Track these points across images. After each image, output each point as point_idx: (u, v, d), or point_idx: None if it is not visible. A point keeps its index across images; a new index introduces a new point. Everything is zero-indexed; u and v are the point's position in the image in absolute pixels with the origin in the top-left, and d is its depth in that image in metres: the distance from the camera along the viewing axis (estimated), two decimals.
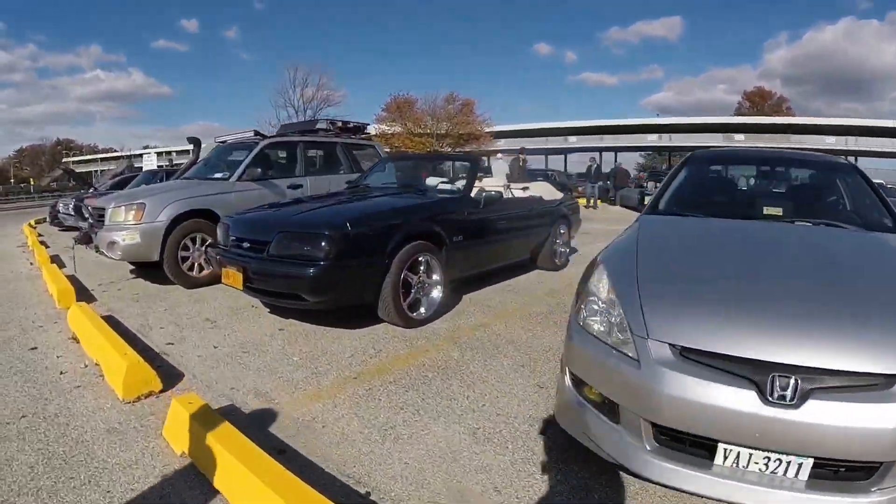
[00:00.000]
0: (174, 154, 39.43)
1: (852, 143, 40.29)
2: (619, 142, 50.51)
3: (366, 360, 3.54)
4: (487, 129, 45.19)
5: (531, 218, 6.06)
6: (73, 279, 5.96)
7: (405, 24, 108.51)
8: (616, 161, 34.31)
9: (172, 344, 3.93)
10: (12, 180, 65.81)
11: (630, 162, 55.65)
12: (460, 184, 5.23)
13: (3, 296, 5.64)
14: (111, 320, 4.34)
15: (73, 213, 10.19)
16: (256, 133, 6.70)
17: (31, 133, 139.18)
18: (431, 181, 5.49)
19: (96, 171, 53.45)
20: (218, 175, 6.28)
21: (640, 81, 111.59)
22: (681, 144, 50.39)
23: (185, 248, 5.54)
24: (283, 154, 6.90)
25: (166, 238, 5.36)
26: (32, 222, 15.35)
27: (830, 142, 40.52)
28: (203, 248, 5.63)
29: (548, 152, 48.69)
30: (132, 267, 6.53)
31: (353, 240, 3.80)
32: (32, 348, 3.88)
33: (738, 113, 57.47)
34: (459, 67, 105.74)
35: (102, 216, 5.54)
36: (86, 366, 3.49)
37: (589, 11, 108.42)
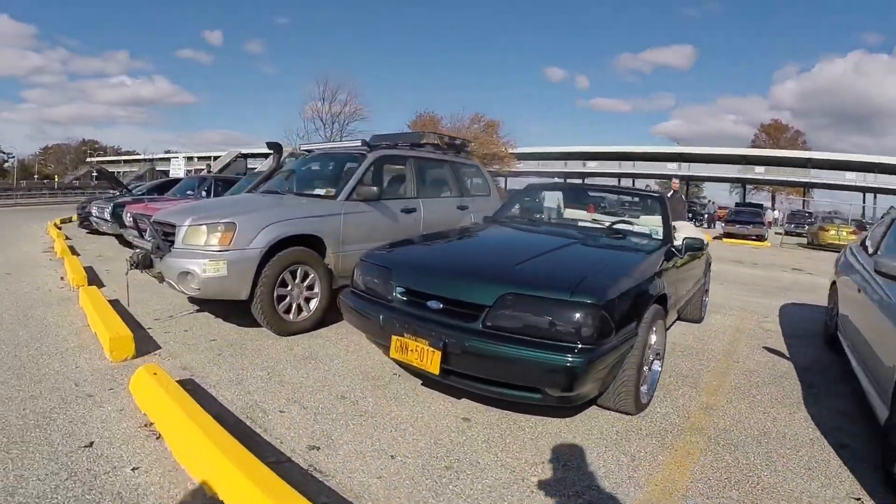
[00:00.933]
0: (195, 159, 38.05)
1: (871, 179, 38.76)
2: (638, 168, 49.28)
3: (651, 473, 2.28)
4: (511, 151, 44.10)
5: (702, 265, 5.17)
6: (124, 314, 4.48)
7: (419, 45, 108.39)
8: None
9: (318, 449, 2.52)
10: (36, 176, 64.69)
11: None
12: (647, 224, 4.18)
13: (29, 335, 4.07)
14: (192, 387, 3.04)
15: (110, 218, 8.71)
16: (365, 143, 5.22)
17: (57, 132, 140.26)
18: (611, 222, 4.19)
19: (118, 173, 52.19)
20: (318, 191, 4.82)
21: (650, 109, 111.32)
22: (699, 174, 49.28)
23: (283, 283, 4.05)
24: (392, 170, 5.46)
25: (260, 270, 3.90)
26: (58, 222, 13.90)
27: (850, 177, 39.25)
28: (303, 284, 4.16)
29: (566, 176, 47.28)
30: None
31: (615, 310, 2.47)
32: (86, 446, 2.44)
33: (755, 145, 56.31)
34: (475, 87, 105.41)
35: (170, 234, 4.07)
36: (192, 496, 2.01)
37: (601, 37, 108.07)
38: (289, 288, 4.15)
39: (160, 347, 3.83)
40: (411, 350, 2.73)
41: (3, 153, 72.73)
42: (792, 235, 23.16)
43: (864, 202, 39.22)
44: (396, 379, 3.41)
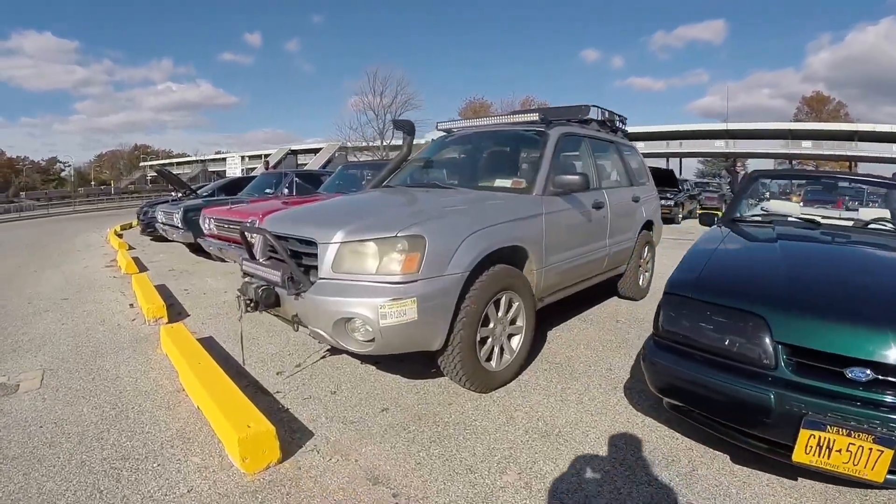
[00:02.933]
0: (246, 159, 37.27)
1: None
2: (685, 147, 46.34)
3: None
4: None
5: None
6: (235, 370, 3.13)
7: (455, 34, 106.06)
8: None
9: None
10: (93, 182, 65.99)
11: (690, 168, 51.23)
12: None
13: (98, 416, 2.62)
14: None
15: (181, 224, 7.34)
16: (543, 119, 3.69)
17: (108, 140, 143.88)
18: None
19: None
20: (501, 182, 3.35)
21: (685, 86, 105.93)
22: (746, 150, 45.95)
23: (485, 320, 2.61)
24: (569, 155, 3.94)
25: (459, 304, 2.48)
26: (118, 228, 12.95)
27: None
28: (507, 317, 2.74)
29: None
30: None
31: None
32: None
33: (797, 119, 52.25)
34: (516, 74, 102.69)
35: (298, 253, 2.63)
36: None
37: (634, 15, 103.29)
38: (491, 325, 2.71)
39: (312, 434, 2.40)
40: (838, 450, 1.66)
41: (61, 163, 74.56)
42: None
43: None
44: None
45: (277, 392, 2.83)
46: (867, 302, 1.86)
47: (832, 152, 40.28)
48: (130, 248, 8.96)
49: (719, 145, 46.56)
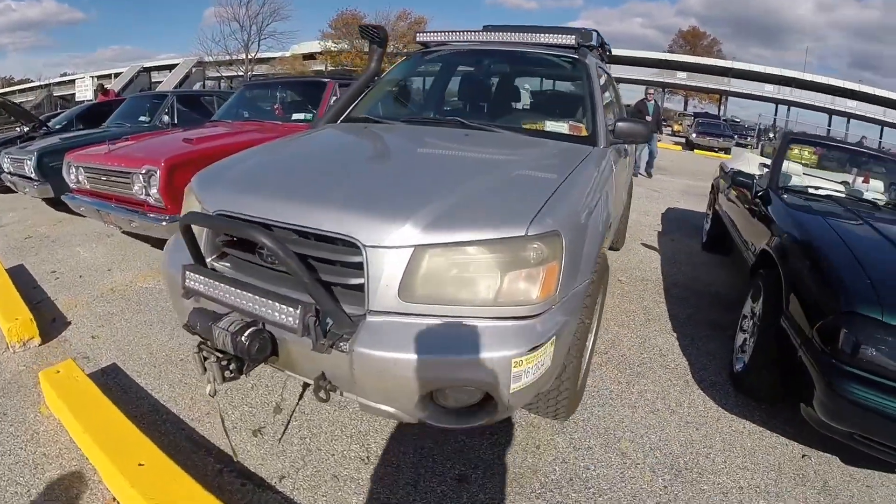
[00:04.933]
0: (94, 79, 30.62)
1: (787, 92, 39.95)
2: None
3: None
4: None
5: None
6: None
7: None
8: None
9: None
10: None
11: None
12: None
13: None
14: None
15: (36, 175, 4.93)
16: (581, 43, 2.74)
17: None
18: None
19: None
20: (556, 125, 2.48)
21: (558, 8, 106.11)
22: (619, 76, 48.41)
23: None
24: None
25: None
26: None
27: (769, 89, 40.08)
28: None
29: None
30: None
31: None
32: None
33: (670, 50, 55.96)
34: None
35: (306, 258, 1.46)
36: None
37: None
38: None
39: None
40: None
41: None
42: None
43: (776, 113, 40.53)
44: None
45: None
46: None
47: (706, 85, 43.86)
48: None
49: None
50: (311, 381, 1.45)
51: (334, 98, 4.45)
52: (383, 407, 1.42)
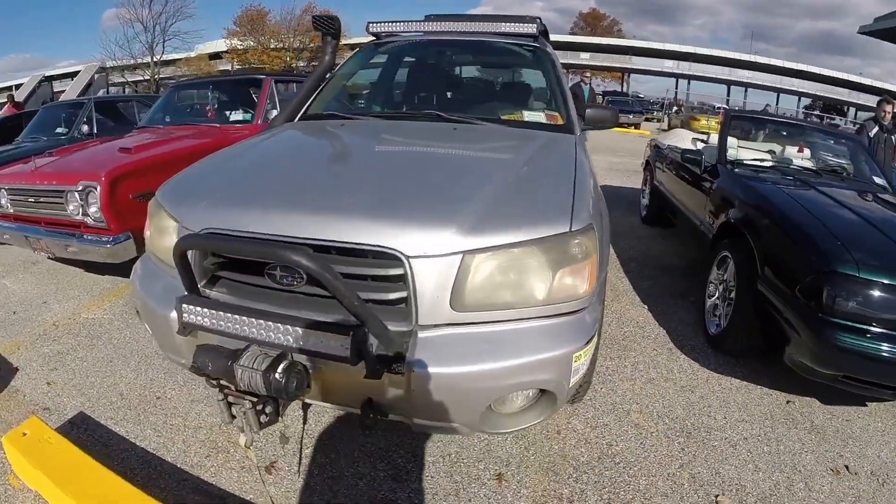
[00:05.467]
0: None
1: (686, 67, 43.08)
2: None
3: None
4: (344, 42, 40.11)
5: None
6: None
7: None
8: None
9: None
10: None
11: None
12: None
13: None
14: None
15: None
16: (542, 30, 2.80)
17: None
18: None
19: None
20: (536, 116, 2.52)
21: None
22: None
23: None
24: None
25: None
26: None
27: (669, 65, 42.97)
28: None
29: None
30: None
31: None
32: None
33: (572, 32, 58.39)
34: None
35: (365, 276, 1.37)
36: None
37: None
38: None
39: None
40: None
41: None
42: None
43: (676, 87, 43.70)
44: None
45: None
46: None
47: (610, 64, 46.11)
48: None
49: None
50: (344, 409, 1.35)
51: (273, 96, 4.19)
52: (442, 424, 1.36)
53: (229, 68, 35.14)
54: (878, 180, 3.30)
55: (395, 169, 1.85)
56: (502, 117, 2.45)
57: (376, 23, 3.02)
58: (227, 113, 4.44)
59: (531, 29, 2.74)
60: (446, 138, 2.12)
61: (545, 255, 1.32)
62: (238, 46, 36.68)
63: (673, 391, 2.31)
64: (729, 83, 42.96)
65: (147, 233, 1.71)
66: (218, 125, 4.05)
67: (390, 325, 1.29)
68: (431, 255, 1.27)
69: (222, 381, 1.34)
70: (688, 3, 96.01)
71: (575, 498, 1.69)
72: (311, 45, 38.78)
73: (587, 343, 1.34)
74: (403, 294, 1.30)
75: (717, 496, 1.71)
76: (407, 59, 3.07)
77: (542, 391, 1.37)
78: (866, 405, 2.28)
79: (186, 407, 2.13)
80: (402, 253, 1.27)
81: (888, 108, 5.11)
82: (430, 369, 1.24)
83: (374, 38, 3.13)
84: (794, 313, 2.00)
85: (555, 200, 1.47)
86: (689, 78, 42.70)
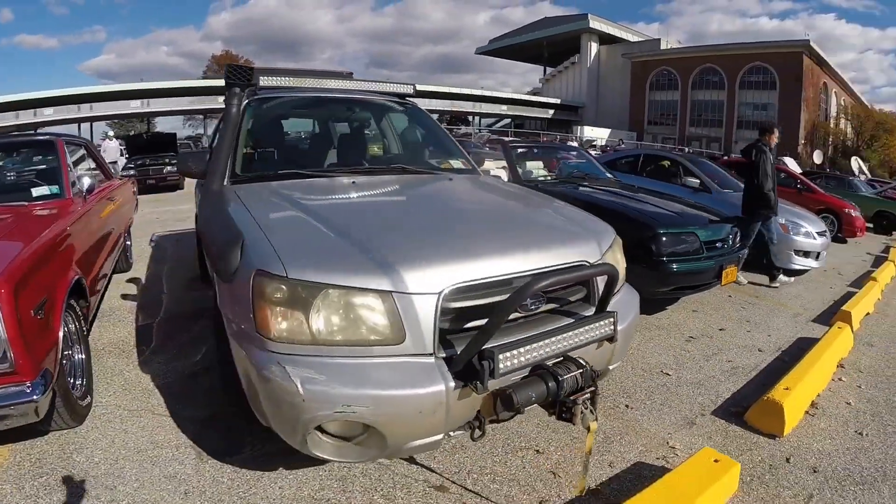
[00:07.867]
0: None
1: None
2: (97, 111, 41.26)
3: None
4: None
5: None
6: None
7: None
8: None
9: None
10: None
11: (99, 132, 44.66)
12: None
13: None
14: None
15: None
16: (415, 88, 3.31)
17: None
18: None
19: None
20: (455, 162, 3.06)
21: (80, 44, 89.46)
22: (164, 109, 45.64)
23: None
24: None
25: None
26: None
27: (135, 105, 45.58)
28: None
29: (19, 129, 33.78)
30: None
31: None
32: None
33: (206, 76, 56.02)
34: None
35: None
36: None
37: None
38: None
39: None
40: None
41: None
42: None
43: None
44: None
45: None
46: None
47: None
48: None
49: (135, 105, 44.05)
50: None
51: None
52: None
53: None
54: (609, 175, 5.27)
55: (450, 213, 2.22)
56: (442, 166, 2.94)
57: (267, 76, 2.78)
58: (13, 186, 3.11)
59: (409, 89, 3.23)
60: (447, 188, 2.58)
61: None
62: None
63: None
64: None
65: (316, 326, 1.46)
66: (26, 203, 2.76)
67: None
68: (593, 261, 1.86)
69: (545, 399, 1.56)
70: (313, 37, 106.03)
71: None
72: None
73: None
74: (585, 292, 1.89)
75: None
76: (306, 114, 3.20)
77: None
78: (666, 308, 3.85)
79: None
80: (587, 262, 1.82)
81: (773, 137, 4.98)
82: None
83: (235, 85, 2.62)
84: (645, 262, 3.33)
85: (587, 216, 2.26)
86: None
